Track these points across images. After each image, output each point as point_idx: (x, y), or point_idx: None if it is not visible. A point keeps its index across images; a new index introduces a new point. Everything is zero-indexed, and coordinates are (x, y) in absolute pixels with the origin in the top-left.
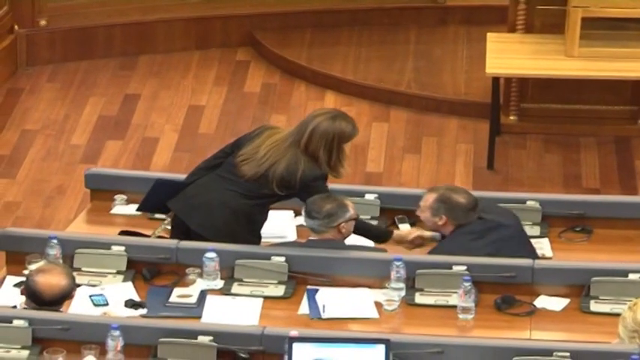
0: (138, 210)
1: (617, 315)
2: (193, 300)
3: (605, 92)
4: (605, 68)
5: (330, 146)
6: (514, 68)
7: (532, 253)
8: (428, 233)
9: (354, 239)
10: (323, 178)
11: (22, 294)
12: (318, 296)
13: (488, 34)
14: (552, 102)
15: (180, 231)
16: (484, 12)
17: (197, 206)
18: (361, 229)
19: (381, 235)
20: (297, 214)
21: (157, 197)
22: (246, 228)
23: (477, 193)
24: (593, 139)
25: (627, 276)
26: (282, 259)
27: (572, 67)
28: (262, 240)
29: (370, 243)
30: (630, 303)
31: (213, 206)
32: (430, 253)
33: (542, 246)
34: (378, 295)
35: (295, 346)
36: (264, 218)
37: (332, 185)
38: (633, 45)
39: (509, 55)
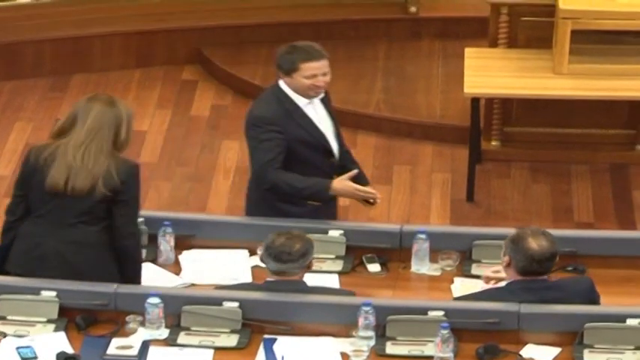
0: None
1: None
2: (134, 352)
3: (598, 114)
4: (598, 87)
5: (128, 132)
6: (496, 87)
7: None
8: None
9: (317, 280)
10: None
11: None
12: (276, 347)
13: (467, 49)
14: (539, 125)
15: None
16: (462, 24)
17: (40, 257)
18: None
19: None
20: (252, 253)
21: None
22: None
23: (455, 229)
24: (585, 167)
25: (625, 321)
26: (236, 304)
27: (561, 86)
28: (214, 283)
29: (336, 284)
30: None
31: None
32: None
33: None
34: (345, 344)
35: None
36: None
37: (291, 222)
38: (629, 61)
39: (491, 73)
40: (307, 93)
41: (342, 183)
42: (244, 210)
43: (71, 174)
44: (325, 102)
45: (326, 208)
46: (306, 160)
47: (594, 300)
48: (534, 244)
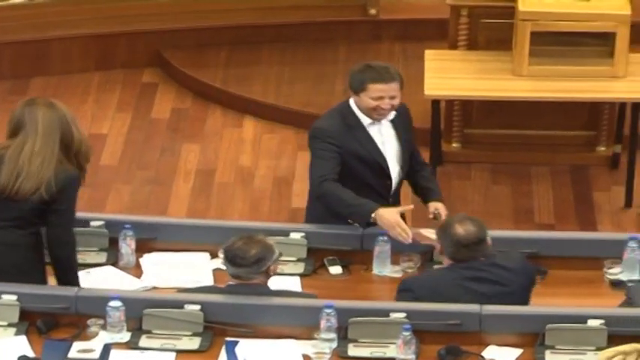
0: None
1: None
2: (96, 355)
3: (559, 116)
4: (558, 89)
5: (78, 130)
6: (456, 89)
7: None
8: (432, 236)
9: (278, 282)
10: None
11: None
12: (238, 349)
13: (427, 52)
14: (500, 127)
15: None
16: (422, 26)
17: None
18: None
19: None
20: (214, 256)
21: None
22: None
23: (415, 231)
24: (546, 169)
25: (586, 322)
26: (197, 307)
27: (521, 88)
28: (175, 286)
29: (298, 287)
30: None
31: None
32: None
33: None
34: (307, 347)
35: None
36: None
37: (251, 224)
38: (589, 62)
39: (451, 75)
40: (371, 114)
41: (388, 212)
42: (304, 218)
43: (20, 177)
44: (396, 123)
45: None
46: (360, 178)
47: (534, 273)
48: (460, 229)
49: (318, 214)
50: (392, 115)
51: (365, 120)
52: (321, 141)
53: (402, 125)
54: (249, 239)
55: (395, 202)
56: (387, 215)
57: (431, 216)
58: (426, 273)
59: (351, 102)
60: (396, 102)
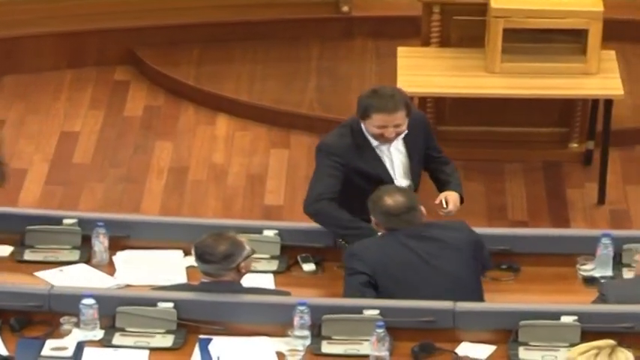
0: None
1: None
2: (69, 353)
3: (531, 112)
4: (530, 85)
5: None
6: (428, 86)
7: (466, 279)
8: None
9: (252, 280)
10: None
11: None
12: (211, 347)
13: (399, 49)
14: (472, 124)
15: None
16: (394, 23)
17: None
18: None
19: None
20: (187, 253)
21: None
22: None
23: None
24: (519, 166)
25: (560, 319)
26: (171, 304)
27: (493, 85)
28: (148, 283)
29: (271, 284)
30: (573, 352)
31: None
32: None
33: None
34: (280, 344)
35: None
36: None
37: (224, 221)
38: (561, 59)
39: (423, 72)
40: (378, 139)
41: None
42: None
43: None
44: (407, 137)
45: None
46: (362, 194)
47: (479, 240)
48: (390, 200)
49: None
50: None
51: (373, 141)
52: (326, 157)
53: (415, 136)
54: (218, 236)
55: None
56: None
57: (437, 201)
58: (367, 240)
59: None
60: (402, 129)
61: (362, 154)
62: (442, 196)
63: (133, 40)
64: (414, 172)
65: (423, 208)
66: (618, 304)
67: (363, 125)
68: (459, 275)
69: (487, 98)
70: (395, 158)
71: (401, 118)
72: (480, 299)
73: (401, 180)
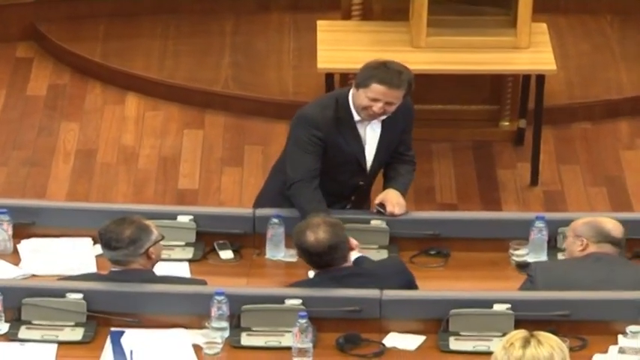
0: None
1: (482, 354)
2: None
3: (460, 89)
4: (458, 60)
5: None
6: (350, 62)
7: None
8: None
9: (165, 268)
10: None
11: None
12: (124, 340)
13: (319, 22)
14: None
15: None
16: None
17: None
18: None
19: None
20: (96, 241)
21: None
22: None
23: None
24: (447, 145)
25: (492, 307)
26: (80, 295)
27: (419, 60)
28: (56, 273)
29: (186, 272)
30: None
31: None
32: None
33: None
34: (197, 336)
35: None
36: None
37: (135, 206)
38: (490, 32)
39: (345, 47)
40: (360, 112)
41: None
42: (257, 196)
43: None
44: (387, 122)
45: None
46: (333, 169)
47: (410, 281)
48: (312, 237)
49: (275, 190)
50: (384, 116)
51: (356, 116)
52: (305, 130)
53: (395, 123)
54: (122, 220)
55: (361, 200)
56: None
57: (374, 210)
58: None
59: (350, 93)
60: (391, 109)
61: (342, 129)
62: (379, 198)
63: (36, 15)
64: (383, 158)
65: (353, 241)
66: (547, 287)
67: (351, 96)
68: None
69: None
70: (371, 139)
71: (397, 97)
72: None
73: (371, 162)
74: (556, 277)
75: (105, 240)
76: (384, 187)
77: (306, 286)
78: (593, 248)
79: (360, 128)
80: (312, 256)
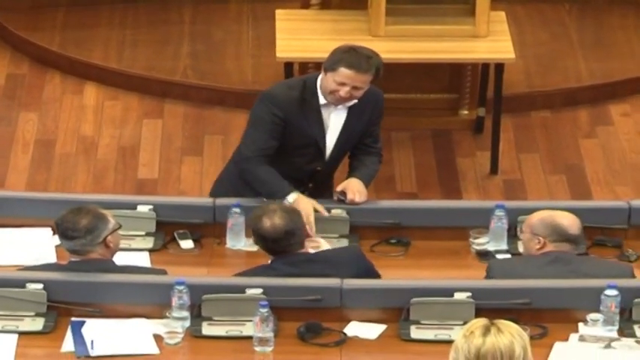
0: None
1: (443, 342)
2: None
3: (419, 78)
4: (417, 49)
5: None
6: (310, 51)
7: None
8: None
9: (125, 258)
10: None
11: None
12: (85, 330)
13: (277, 11)
14: None
15: None
16: None
17: None
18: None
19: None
20: (56, 231)
21: None
22: None
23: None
24: (406, 134)
25: (453, 295)
26: (40, 285)
27: (378, 49)
28: (15, 264)
29: (147, 262)
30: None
31: None
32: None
33: None
34: (158, 326)
35: None
36: None
37: (95, 196)
38: (449, 21)
39: (304, 36)
40: (327, 96)
41: (305, 202)
42: (216, 179)
43: None
44: (353, 110)
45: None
46: (291, 151)
47: (368, 268)
48: (268, 223)
49: (235, 173)
50: (351, 102)
51: (322, 99)
52: (266, 108)
53: (362, 112)
54: (78, 210)
55: (320, 187)
56: (303, 205)
57: (335, 198)
58: (254, 269)
59: (319, 77)
60: (358, 93)
61: (305, 111)
62: (341, 186)
63: None
64: (345, 148)
65: (309, 228)
66: None
67: (320, 79)
68: None
69: None
70: (334, 126)
71: (364, 81)
72: None
73: (330, 149)
74: (513, 277)
75: (62, 230)
76: (347, 177)
77: (261, 271)
78: (550, 247)
79: (325, 112)
80: (268, 242)
